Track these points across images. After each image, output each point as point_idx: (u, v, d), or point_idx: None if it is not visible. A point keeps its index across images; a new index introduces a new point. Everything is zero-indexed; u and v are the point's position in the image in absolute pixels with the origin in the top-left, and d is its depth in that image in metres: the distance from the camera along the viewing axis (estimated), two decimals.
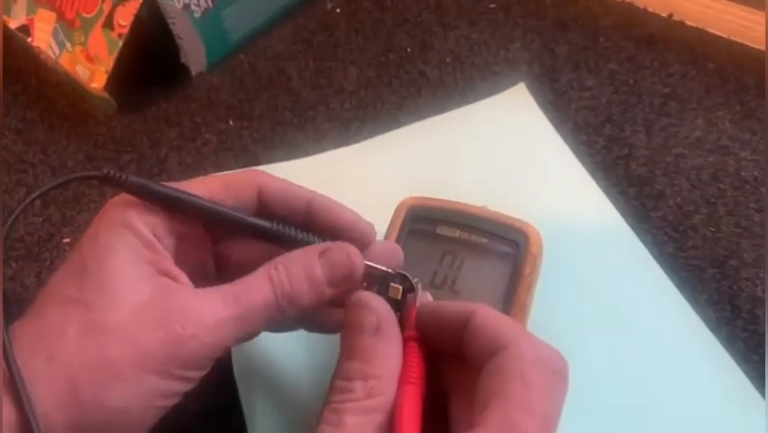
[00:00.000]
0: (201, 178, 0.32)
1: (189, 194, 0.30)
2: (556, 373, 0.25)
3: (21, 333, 0.27)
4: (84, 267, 0.28)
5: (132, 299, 0.27)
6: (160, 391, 0.26)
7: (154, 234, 0.29)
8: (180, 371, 0.27)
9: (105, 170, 0.29)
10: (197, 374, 0.28)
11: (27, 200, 0.29)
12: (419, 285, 0.31)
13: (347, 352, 0.28)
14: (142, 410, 0.26)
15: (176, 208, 0.30)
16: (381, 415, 0.26)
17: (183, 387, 0.27)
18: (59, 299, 0.27)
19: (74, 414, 0.25)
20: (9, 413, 0.25)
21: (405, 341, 0.28)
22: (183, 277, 0.29)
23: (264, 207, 0.32)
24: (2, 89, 0.55)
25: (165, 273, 0.28)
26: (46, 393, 0.25)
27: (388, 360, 0.27)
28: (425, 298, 0.31)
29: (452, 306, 0.28)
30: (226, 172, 0.33)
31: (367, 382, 0.26)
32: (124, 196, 0.30)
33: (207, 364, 0.28)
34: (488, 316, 0.26)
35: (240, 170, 0.33)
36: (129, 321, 0.26)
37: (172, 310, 0.27)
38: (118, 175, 0.29)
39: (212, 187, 0.31)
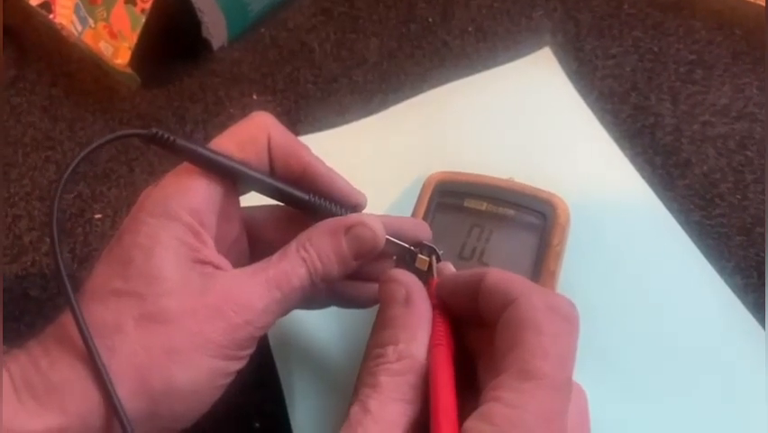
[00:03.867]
0: (214, 139, 0.32)
1: (232, 159, 0.31)
2: (567, 319, 0.25)
3: (71, 327, 0.27)
4: (129, 259, 0.28)
5: (182, 288, 0.28)
6: (222, 371, 0.29)
7: (198, 221, 0.29)
8: (237, 351, 0.29)
9: (154, 130, 0.30)
10: (250, 352, 0.30)
11: (84, 152, 0.29)
12: (439, 256, 0.33)
13: (381, 323, 0.30)
14: (208, 390, 0.29)
15: (218, 173, 0.30)
16: (413, 375, 0.27)
17: (240, 365, 0.30)
18: (105, 291, 0.28)
19: (147, 403, 0.27)
20: (95, 403, 0.26)
21: None
22: (225, 262, 0.30)
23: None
24: (2, 50, 0.56)
25: (209, 261, 0.29)
26: (117, 386, 0.26)
27: (416, 325, 0.29)
28: (447, 268, 0.33)
29: (466, 273, 0.29)
30: (235, 126, 0.32)
31: (397, 346, 0.28)
32: (161, 186, 0.30)
33: (256, 342, 0.30)
34: (498, 275, 0.27)
35: (249, 116, 0.33)
36: (185, 311, 0.28)
37: (225, 299, 0.28)
38: (166, 136, 0.30)
39: (227, 149, 0.31)
